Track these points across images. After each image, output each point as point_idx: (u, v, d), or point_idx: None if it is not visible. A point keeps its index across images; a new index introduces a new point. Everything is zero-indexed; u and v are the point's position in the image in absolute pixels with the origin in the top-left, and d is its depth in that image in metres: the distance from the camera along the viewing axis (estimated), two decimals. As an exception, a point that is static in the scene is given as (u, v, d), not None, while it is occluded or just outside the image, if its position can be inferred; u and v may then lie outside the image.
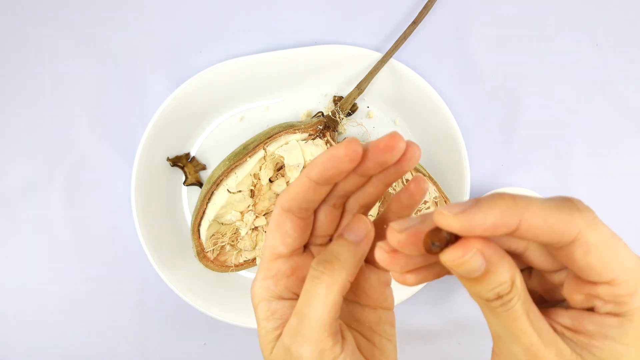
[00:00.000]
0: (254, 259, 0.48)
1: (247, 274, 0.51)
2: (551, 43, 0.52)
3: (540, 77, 0.52)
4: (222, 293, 0.50)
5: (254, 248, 0.48)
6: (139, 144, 0.48)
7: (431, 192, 0.47)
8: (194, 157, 0.51)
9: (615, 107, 0.52)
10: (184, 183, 0.51)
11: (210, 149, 0.51)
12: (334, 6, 0.52)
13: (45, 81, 0.52)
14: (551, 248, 0.22)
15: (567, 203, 0.21)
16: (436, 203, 0.48)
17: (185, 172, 0.51)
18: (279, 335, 0.26)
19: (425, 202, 0.48)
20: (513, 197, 0.20)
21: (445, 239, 0.20)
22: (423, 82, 0.49)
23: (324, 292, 0.24)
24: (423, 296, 0.51)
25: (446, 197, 0.47)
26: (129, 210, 0.51)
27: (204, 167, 0.51)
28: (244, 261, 0.48)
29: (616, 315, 0.21)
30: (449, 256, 0.20)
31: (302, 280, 0.27)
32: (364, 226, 0.25)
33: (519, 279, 0.21)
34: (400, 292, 0.49)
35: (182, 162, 0.50)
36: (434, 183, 0.47)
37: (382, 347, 0.28)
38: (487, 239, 0.20)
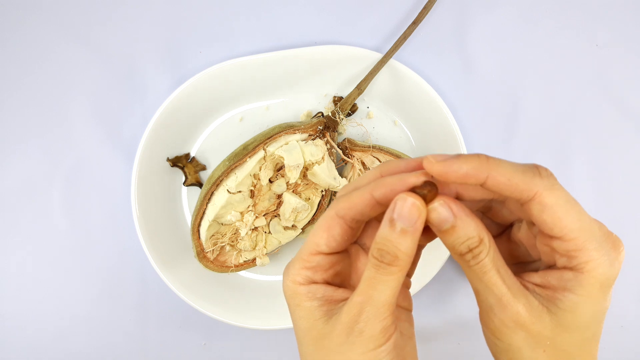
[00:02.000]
0: (254, 259, 0.48)
1: (247, 274, 0.52)
2: (551, 43, 0.52)
3: (540, 77, 0.52)
4: (222, 293, 0.50)
5: (254, 248, 0.48)
6: (139, 144, 0.48)
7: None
8: (194, 158, 0.51)
9: (615, 107, 0.52)
10: (184, 183, 0.51)
11: (210, 149, 0.51)
12: (334, 6, 0.52)
13: (45, 81, 0.52)
14: (516, 203, 0.26)
15: (532, 169, 0.25)
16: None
17: (185, 173, 0.51)
18: (326, 312, 0.27)
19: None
20: (487, 157, 0.24)
21: (427, 187, 0.25)
22: (423, 82, 0.49)
23: (390, 278, 0.25)
24: (423, 296, 0.51)
25: (446, 197, 0.47)
26: (129, 210, 0.51)
27: (204, 168, 0.51)
28: (244, 261, 0.48)
29: (570, 268, 0.25)
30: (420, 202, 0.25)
31: (338, 274, 0.29)
32: (415, 210, 0.25)
33: (486, 238, 0.25)
34: (400, 292, 0.49)
35: (182, 162, 0.50)
36: (434, 183, 0.47)
37: (403, 345, 0.29)
38: (455, 200, 0.25)
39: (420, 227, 0.25)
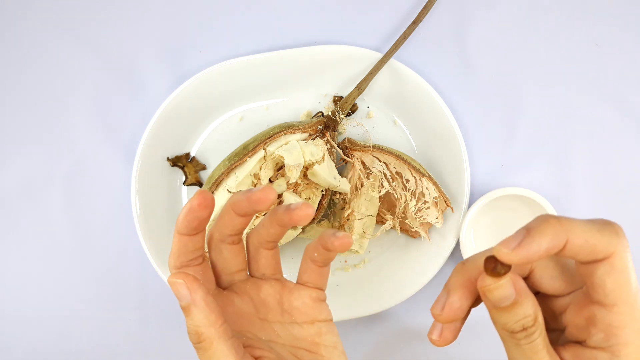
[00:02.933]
0: (254, 259, 0.48)
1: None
2: (551, 43, 0.52)
3: (540, 77, 0.52)
4: (222, 293, 0.50)
5: (254, 248, 0.48)
6: (139, 144, 0.48)
7: (431, 192, 0.47)
8: (194, 157, 0.51)
9: (615, 107, 0.52)
10: (184, 183, 0.51)
11: (210, 149, 0.51)
12: (334, 6, 0.52)
13: (45, 81, 0.52)
14: (578, 262, 0.24)
15: (608, 227, 0.23)
16: (436, 203, 0.48)
17: (185, 172, 0.51)
18: None
19: (425, 202, 0.48)
20: (558, 220, 0.22)
21: (495, 266, 0.23)
22: (423, 82, 0.49)
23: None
24: (423, 296, 0.51)
25: (446, 197, 0.47)
26: (129, 210, 0.51)
27: (204, 167, 0.51)
28: (244, 261, 0.48)
29: (604, 349, 0.23)
30: (488, 280, 0.23)
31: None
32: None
33: (540, 316, 0.24)
34: (400, 292, 0.49)
35: (182, 162, 0.50)
36: (434, 183, 0.47)
37: (329, 356, 0.30)
38: (517, 276, 0.24)
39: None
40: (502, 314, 0.24)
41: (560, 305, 0.26)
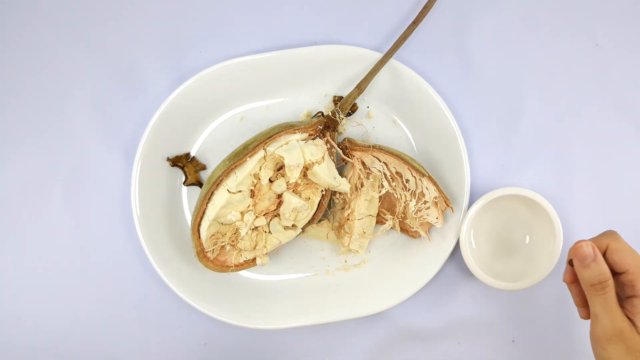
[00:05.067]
0: (254, 259, 0.48)
1: (247, 274, 0.52)
2: (551, 43, 0.52)
3: (540, 77, 0.52)
4: (222, 293, 0.50)
5: (254, 248, 0.48)
6: (139, 144, 0.48)
7: (431, 192, 0.47)
8: (194, 157, 0.51)
9: (615, 107, 0.52)
10: (184, 183, 0.51)
11: (210, 149, 0.51)
12: (334, 6, 0.52)
13: (45, 81, 0.52)
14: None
15: (607, 233, 0.39)
16: (436, 203, 0.48)
17: (185, 172, 0.51)
18: None
19: (425, 202, 0.48)
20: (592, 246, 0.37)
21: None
22: (423, 82, 0.49)
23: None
24: (423, 296, 0.51)
25: (446, 198, 0.47)
26: (129, 210, 0.51)
27: (204, 167, 0.51)
28: (244, 261, 0.48)
29: (635, 296, 0.37)
30: (577, 243, 0.37)
31: None
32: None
33: (611, 279, 0.36)
34: (400, 292, 0.49)
35: (182, 162, 0.50)
36: (434, 183, 0.47)
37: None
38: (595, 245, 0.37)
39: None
40: (585, 270, 0.36)
41: (622, 278, 0.38)
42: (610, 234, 0.39)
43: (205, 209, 0.46)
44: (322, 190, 0.48)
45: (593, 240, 0.38)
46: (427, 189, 0.47)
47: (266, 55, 0.49)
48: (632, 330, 0.36)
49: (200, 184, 0.51)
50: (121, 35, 0.52)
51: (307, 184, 0.47)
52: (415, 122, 0.51)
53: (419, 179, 0.47)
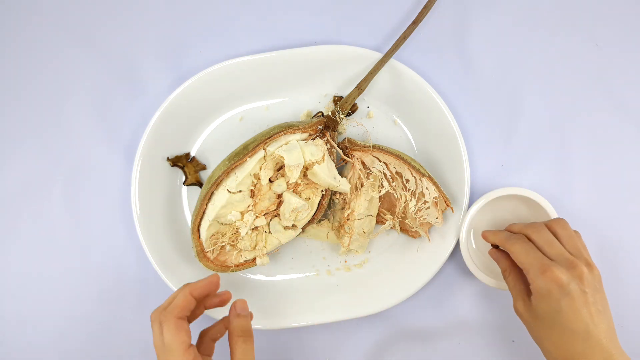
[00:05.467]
0: (254, 259, 0.48)
1: (247, 274, 0.52)
2: (551, 43, 0.52)
3: (540, 77, 0.52)
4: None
5: (254, 248, 0.48)
6: (139, 144, 0.48)
7: (431, 192, 0.47)
8: (194, 157, 0.51)
9: (615, 107, 0.52)
10: (184, 183, 0.51)
11: (210, 149, 0.51)
12: (334, 6, 0.52)
13: (45, 81, 0.52)
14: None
15: (510, 240, 0.44)
16: (436, 203, 0.48)
17: (185, 172, 0.51)
18: None
19: (425, 202, 0.48)
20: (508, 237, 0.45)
21: None
22: (423, 82, 0.49)
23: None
24: (423, 296, 0.51)
25: (446, 197, 0.47)
26: (129, 210, 0.51)
27: (204, 167, 0.51)
28: (244, 261, 0.48)
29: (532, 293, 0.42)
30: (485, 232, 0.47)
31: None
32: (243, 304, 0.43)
33: (509, 269, 0.45)
34: (400, 292, 0.49)
35: (182, 162, 0.50)
36: (434, 183, 0.47)
37: None
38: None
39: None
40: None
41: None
42: (557, 221, 0.43)
43: (205, 209, 0.46)
44: (322, 190, 0.48)
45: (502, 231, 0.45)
46: (427, 189, 0.47)
47: (266, 55, 0.49)
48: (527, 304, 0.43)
49: (200, 184, 0.51)
50: (121, 35, 0.52)
51: (307, 184, 0.47)
52: (415, 122, 0.51)
53: (419, 179, 0.47)
